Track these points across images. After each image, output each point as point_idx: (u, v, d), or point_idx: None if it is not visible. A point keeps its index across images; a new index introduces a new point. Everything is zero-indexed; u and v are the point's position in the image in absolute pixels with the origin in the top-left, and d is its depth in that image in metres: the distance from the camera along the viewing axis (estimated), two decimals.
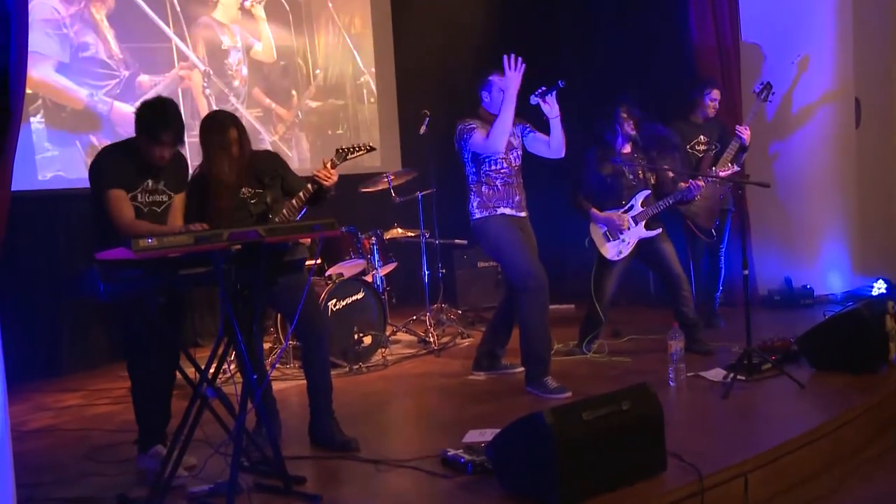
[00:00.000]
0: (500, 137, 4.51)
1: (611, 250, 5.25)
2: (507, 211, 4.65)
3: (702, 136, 5.96)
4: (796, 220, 6.72)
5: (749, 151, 5.90)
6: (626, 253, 5.24)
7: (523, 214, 4.73)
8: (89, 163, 3.75)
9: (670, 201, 5.24)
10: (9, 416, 4.81)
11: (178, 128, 3.54)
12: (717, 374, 4.60)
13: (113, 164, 3.58)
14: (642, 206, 5.24)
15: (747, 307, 4.48)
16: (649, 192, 5.27)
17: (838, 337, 4.47)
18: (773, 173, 6.65)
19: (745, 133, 5.73)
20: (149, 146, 3.52)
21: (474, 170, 4.68)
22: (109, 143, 6.14)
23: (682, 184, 5.35)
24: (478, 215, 4.68)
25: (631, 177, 5.26)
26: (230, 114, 3.92)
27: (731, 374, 4.34)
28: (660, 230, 5.23)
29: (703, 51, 6.60)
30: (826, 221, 6.72)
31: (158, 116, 3.50)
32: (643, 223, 5.22)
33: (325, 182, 3.87)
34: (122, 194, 3.53)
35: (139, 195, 3.60)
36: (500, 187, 4.64)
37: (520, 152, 4.75)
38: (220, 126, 3.79)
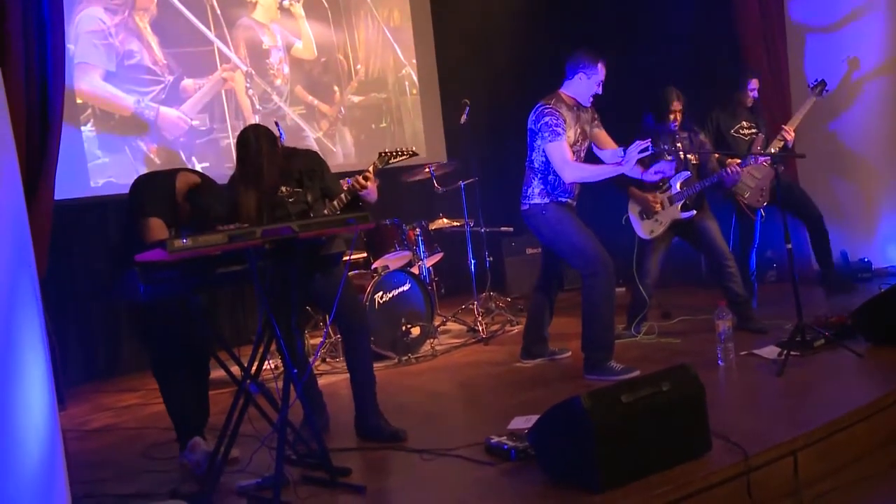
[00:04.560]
0: (576, 181, 4.51)
1: (644, 229, 5.22)
2: (566, 199, 4.58)
3: (744, 122, 5.83)
4: (851, 193, 6.53)
5: (802, 124, 5.74)
6: (658, 233, 5.18)
7: (575, 203, 4.66)
8: (138, 173, 3.77)
9: (705, 185, 5.14)
10: (72, 417, 5.01)
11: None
12: (771, 351, 4.50)
13: (156, 195, 3.58)
14: (681, 188, 5.15)
15: (794, 282, 4.39)
16: (689, 174, 5.18)
17: (893, 310, 4.33)
18: (827, 147, 6.47)
19: (790, 136, 5.57)
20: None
21: (544, 159, 4.52)
22: (157, 147, 6.35)
23: (731, 164, 5.19)
24: (537, 200, 4.57)
25: (670, 158, 5.16)
26: (256, 132, 3.75)
27: (785, 351, 4.25)
28: (693, 212, 5.12)
29: (748, 28, 6.42)
30: (883, 193, 6.50)
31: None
32: (679, 204, 5.14)
33: (360, 192, 3.93)
34: (161, 223, 3.52)
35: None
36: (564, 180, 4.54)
37: (588, 143, 4.66)
38: (245, 153, 3.71)
